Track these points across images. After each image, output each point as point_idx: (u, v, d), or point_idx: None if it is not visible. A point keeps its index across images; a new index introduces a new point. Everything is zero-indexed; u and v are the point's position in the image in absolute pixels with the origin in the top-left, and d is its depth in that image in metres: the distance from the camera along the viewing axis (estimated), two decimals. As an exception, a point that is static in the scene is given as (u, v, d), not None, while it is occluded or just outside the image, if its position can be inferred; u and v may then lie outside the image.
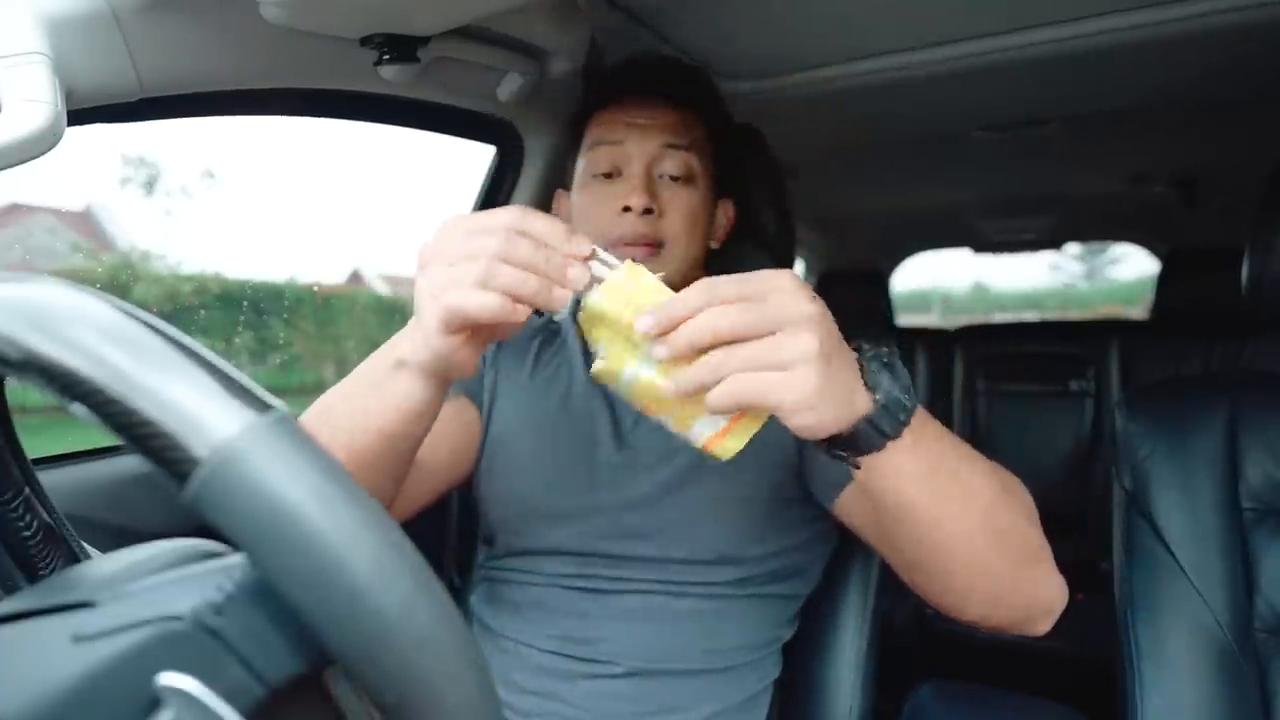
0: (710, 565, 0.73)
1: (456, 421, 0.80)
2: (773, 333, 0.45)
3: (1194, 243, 2.16)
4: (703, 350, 0.46)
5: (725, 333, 0.45)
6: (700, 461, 0.74)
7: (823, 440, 0.49)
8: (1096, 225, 2.84)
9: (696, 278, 0.81)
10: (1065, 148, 1.66)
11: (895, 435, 0.49)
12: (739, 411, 0.49)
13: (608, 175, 0.79)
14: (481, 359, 0.86)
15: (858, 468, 0.51)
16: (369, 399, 0.59)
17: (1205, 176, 1.94)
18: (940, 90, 1.21)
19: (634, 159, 0.78)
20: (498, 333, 0.55)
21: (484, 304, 0.48)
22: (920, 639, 1.76)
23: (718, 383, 0.45)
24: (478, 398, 0.83)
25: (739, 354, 0.45)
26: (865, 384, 0.49)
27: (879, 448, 0.49)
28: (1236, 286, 0.91)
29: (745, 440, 0.50)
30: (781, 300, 0.46)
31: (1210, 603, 0.75)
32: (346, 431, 0.59)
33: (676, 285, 0.78)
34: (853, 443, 0.49)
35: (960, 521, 0.54)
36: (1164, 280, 2.16)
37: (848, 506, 0.69)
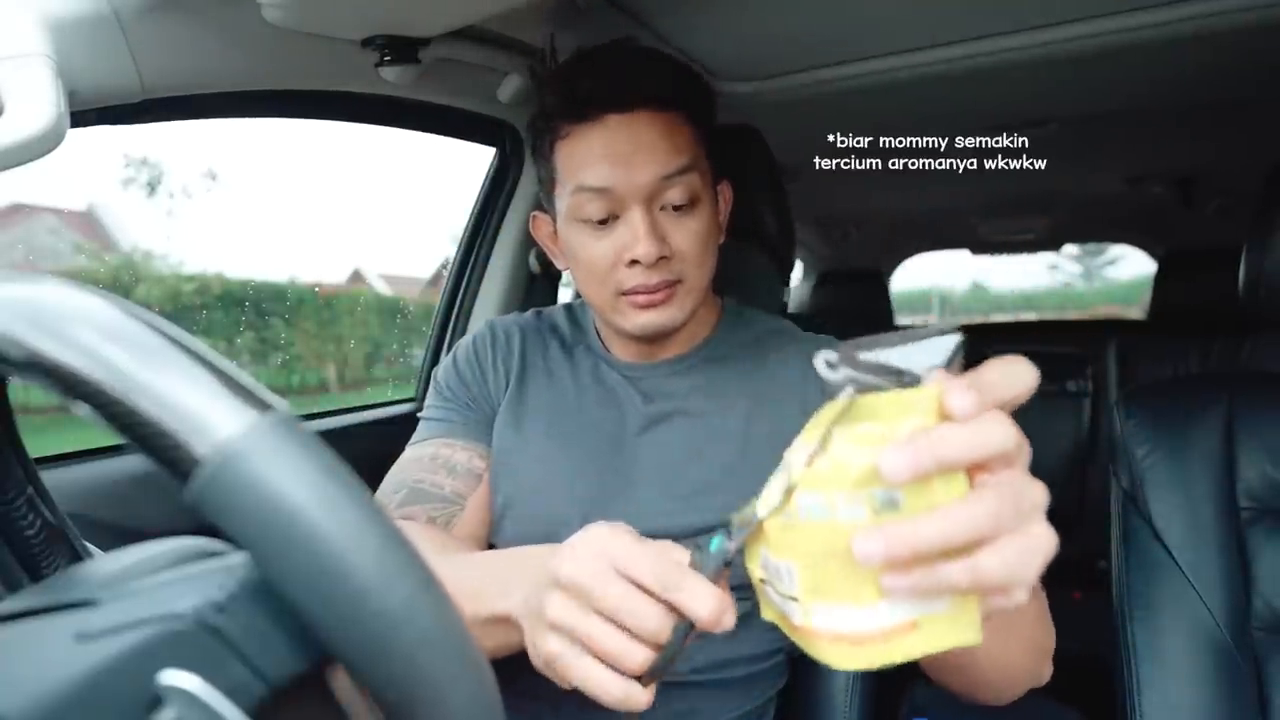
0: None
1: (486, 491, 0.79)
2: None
3: (1190, 243, 2.16)
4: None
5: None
6: (711, 482, 0.71)
7: None
8: (1094, 226, 2.84)
9: (707, 293, 0.77)
10: (1063, 149, 1.66)
11: None
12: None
13: (602, 221, 0.70)
14: (481, 379, 0.83)
15: None
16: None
17: (1203, 177, 1.94)
18: (939, 91, 1.21)
19: (630, 202, 0.68)
20: None
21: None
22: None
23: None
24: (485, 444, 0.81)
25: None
26: None
27: None
28: (1233, 286, 0.91)
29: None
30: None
31: (1207, 601, 0.76)
32: None
33: (687, 318, 0.73)
34: None
35: (1001, 659, 0.53)
36: (1161, 280, 2.16)
37: None
